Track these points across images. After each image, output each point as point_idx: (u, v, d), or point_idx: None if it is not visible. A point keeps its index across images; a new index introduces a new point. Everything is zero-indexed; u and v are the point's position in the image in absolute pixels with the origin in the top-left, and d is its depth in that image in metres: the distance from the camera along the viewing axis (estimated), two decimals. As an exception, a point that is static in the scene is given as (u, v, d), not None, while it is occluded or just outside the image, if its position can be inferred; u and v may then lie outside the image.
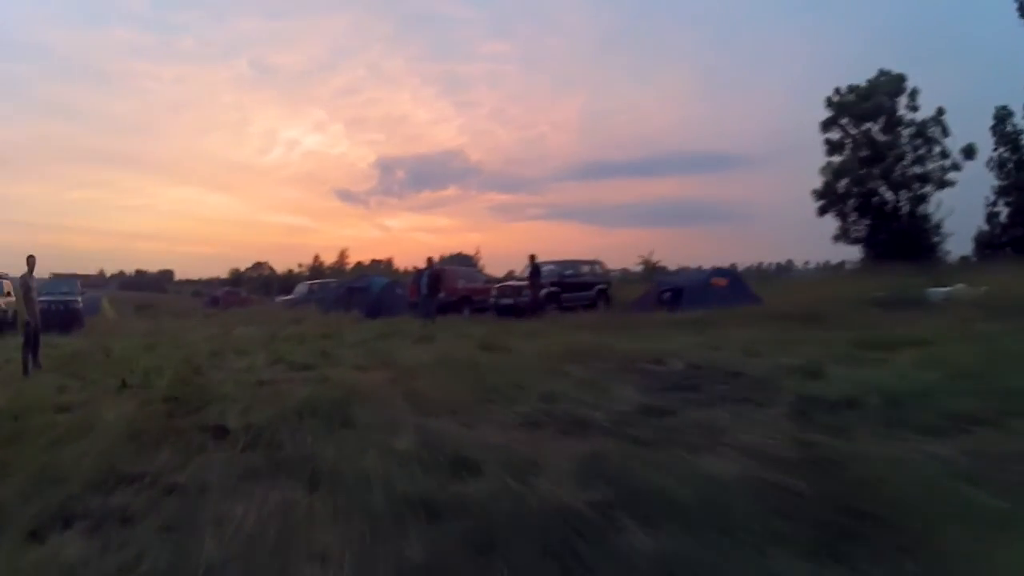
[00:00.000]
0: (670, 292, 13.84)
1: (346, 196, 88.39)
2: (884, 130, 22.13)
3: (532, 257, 14.89)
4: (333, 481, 2.81)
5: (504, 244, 69.81)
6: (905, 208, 22.17)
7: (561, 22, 76.04)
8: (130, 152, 77.97)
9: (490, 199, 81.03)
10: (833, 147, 22.92)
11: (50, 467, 3.08)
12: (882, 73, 22.31)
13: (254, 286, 32.62)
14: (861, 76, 22.69)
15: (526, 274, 15.09)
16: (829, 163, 22.86)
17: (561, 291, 15.63)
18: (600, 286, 16.82)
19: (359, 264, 45.45)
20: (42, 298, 13.02)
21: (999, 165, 22.56)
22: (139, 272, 34.98)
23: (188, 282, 32.11)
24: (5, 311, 12.08)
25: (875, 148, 21.94)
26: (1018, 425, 3.36)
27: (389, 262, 48.53)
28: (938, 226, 21.97)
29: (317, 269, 43.07)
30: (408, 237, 70.76)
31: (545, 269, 15.50)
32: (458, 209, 76.49)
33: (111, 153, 74.03)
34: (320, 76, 76.76)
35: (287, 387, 5.19)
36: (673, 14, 73.40)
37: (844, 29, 61.53)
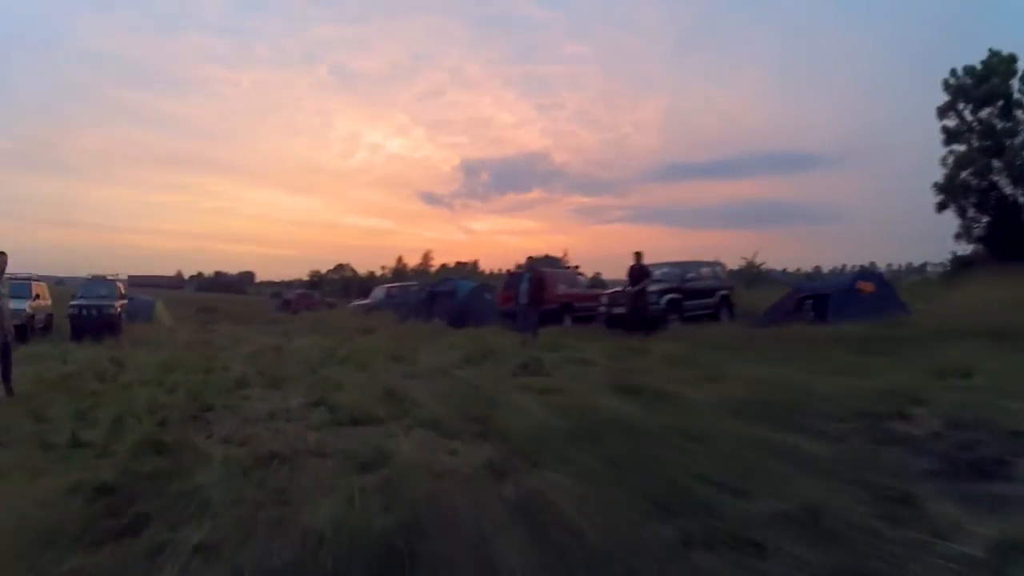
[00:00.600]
0: (811, 299, 12.17)
1: (430, 199, 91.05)
2: (1001, 116, 20.49)
3: (638, 256, 11.76)
4: None
5: (588, 247, 70.24)
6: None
7: (640, 22, 77.12)
8: (211, 156, 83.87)
9: (574, 202, 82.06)
10: (951, 135, 21.35)
11: None
12: (993, 54, 20.66)
13: (334, 288, 32.27)
14: (943, 70, 21.43)
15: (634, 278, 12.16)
16: (950, 152, 21.38)
17: (683, 298, 13.37)
18: (723, 291, 14.76)
19: (443, 267, 44.75)
20: (75, 302, 12.68)
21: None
22: (218, 273, 35.75)
23: (268, 284, 32.36)
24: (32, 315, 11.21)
25: (994, 136, 20.39)
26: None
27: (475, 264, 47.72)
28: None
29: (400, 271, 42.69)
30: (493, 240, 71.40)
31: (657, 272, 12.84)
32: (542, 212, 77.86)
33: (192, 157, 79.86)
34: (401, 80, 79.95)
35: (307, 481, 2.93)
36: (753, 10, 71.14)
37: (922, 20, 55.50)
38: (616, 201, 79.35)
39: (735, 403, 4.55)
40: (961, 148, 21.00)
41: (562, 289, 15.19)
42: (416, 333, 12.59)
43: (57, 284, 19.97)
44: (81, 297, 12.49)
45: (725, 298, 14.62)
